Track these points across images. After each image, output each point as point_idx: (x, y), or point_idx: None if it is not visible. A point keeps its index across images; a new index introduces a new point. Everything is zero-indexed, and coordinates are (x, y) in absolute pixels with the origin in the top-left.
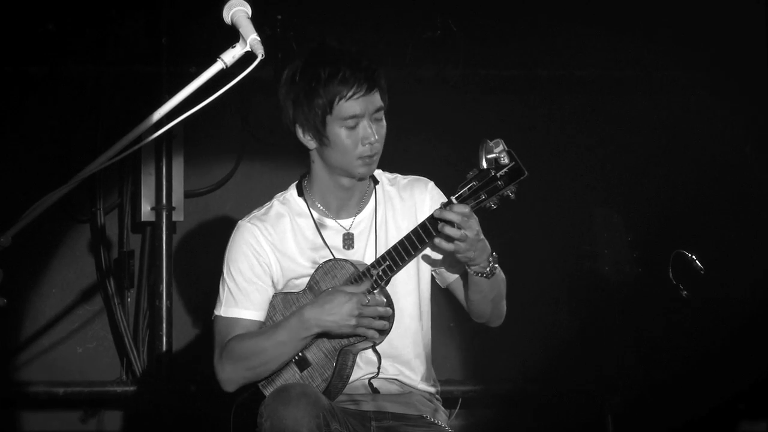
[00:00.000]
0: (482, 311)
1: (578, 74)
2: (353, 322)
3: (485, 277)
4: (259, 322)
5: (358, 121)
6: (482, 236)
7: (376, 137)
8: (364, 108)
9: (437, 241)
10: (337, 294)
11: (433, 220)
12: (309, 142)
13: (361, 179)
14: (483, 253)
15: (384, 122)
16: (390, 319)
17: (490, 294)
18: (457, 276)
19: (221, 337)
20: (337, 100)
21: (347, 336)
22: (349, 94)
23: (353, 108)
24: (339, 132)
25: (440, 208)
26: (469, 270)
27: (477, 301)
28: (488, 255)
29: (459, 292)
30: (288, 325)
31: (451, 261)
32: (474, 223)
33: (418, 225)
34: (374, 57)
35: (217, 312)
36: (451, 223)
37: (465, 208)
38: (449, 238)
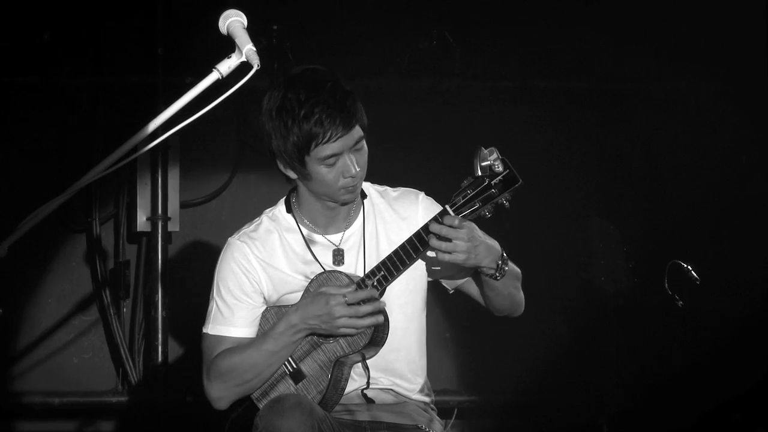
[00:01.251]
0: (500, 306)
1: (574, 85)
2: (336, 323)
3: (494, 278)
4: (247, 339)
5: (337, 158)
6: (481, 240)
7: (357, 168)
8: (342, 146)
9: (434, 250)
10: (316, 296)
11: (426, 229)
12: (290, 173)
13: (345, 204)
14: (487, 257)
15: (365, 148)
16: (385, 330)
17: (504, 290)
18: (467, 278)
19: (209, 356)
20: (313, 144)
21: (337, 335)
22: (325, 139)
23: (331, 149)
24: (319, 169)
25: (428, 222)
26: (481, 273)
27: (492, 297)
28: (495, 257)
29: (473, 290)
30: (276, 333)
31: (454, 266)
32: (465, 232)
33: (413, 234)
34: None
35: (205, 329)
36: (440, 236)
37: (453, 221)
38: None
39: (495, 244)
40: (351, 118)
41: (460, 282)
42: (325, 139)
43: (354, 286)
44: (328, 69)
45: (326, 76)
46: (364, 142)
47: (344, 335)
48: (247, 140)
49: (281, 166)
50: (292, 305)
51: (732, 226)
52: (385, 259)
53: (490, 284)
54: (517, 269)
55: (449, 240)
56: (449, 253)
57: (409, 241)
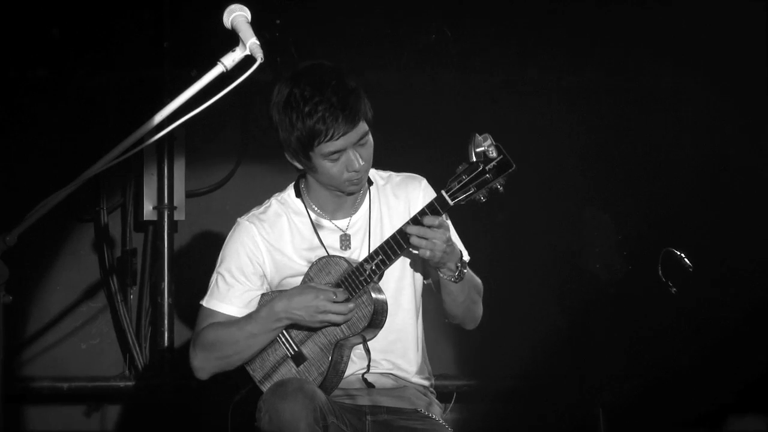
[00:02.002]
0: (453, 313)
1: (569, 79)
2: (318, 317)
3: (453, 281)
4: (237, 318)
5: (341, 154)
6: (451, 243)
7: (362, 162)
8: (346, 143)
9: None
10: (306, 289)
11: (423, 213)
12: (297, 164)
13: (351, 195)
14: (451, 259)
15: (370, 141)
16: (384, 313)
17: (459, 297)
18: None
19: (199, 327)
20: (317, 142)
21: (314, 329)
22: (328, 137)
23: (335, 146)
24: (323, 163)
25: (408, 222)
26: (439, 273)
27: (447, 302)
28: (456, 260)
29: (438, 290)
30: (258, 317)
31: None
32: (441, 233)
33: (410, 218)
34: (361, 62)
35: (202, 301)
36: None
37: (434, 220)
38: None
39: (457, 249)
40: (354, 116)
41: (435, 278)
42: (328, 137)
43: (342, 289)
44: (334, 64)
45: (331, 73)
46: (368, 136)
47: (319, 328)
48: (251, 131)
49: (288, 156)
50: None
51: (726, 213)
52: (383, 243)
53: (446, 287)
54: (478, 281)
55: (426, 238)
56: (429, 249)
57: (406, 224)
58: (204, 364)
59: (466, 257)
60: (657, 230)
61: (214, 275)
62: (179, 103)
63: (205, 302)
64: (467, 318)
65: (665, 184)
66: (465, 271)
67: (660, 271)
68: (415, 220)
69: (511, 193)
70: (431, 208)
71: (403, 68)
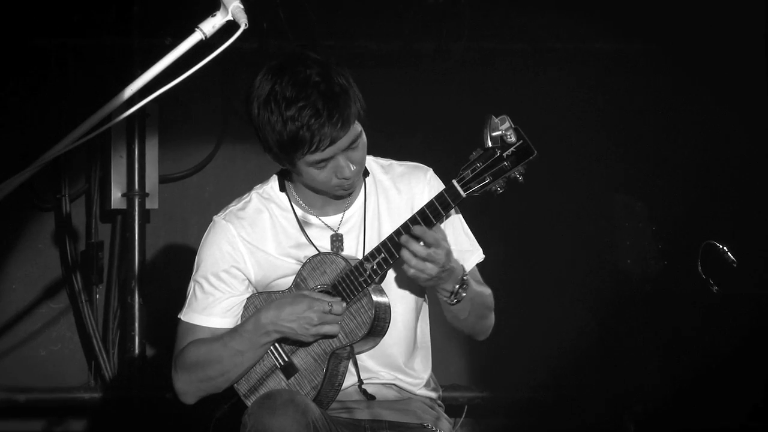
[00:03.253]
0: (457, 328)
1: (596, 47)
2: (312, 330)
3: (449, 303)
4: (222, 330)
5: (328, 161)
6: (447, 267)
7: (352, 168)
8: (334, 151)
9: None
10: (297, 298)
11: (432, 206)
12: (278, 163)
13: (341, 198)
14: (446, 282)
15: (362, 143)
16: (387, 319)
17: (461, 315)
18: None
19: (179, 345)
20: (299, 153)
21: (306, 343)
22: (313, 147)
23: (322, 155)
24: (308, 170)
25: (407, 229)
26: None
27: (449, 318)
28: (455, 282)
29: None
30: (244, 331)
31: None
32: (437, 254)
33: (416, 212)
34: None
35: (180, 315)
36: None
37: (430, 236)
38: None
39: (458, 269)
40: (344, 122)
41: None
42: (313, 148)
43: (339, 299)
44: (322, 58)
45: (318, 68)
46: (361, 136)
47: (311, 342)
48: (233, 108)
49: (270, 157)
50: (282, 291)
51: None
52: (385, 240)
53: (445, 306)
54: (486, 294)
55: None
56: (418, 271)
57: (413, 219)
58: (187, 388)
59: (478, 258)
60: (697, 220)
61: (191, 284)
62: (152, 75)
63: (183, 315)
64: (474, 332)
65: (706, 167)
66: (464, 294)
67: (700, 267)
68: (414, 220)
69: (531, 178)
70: (441, 201)
71: (405, 36)
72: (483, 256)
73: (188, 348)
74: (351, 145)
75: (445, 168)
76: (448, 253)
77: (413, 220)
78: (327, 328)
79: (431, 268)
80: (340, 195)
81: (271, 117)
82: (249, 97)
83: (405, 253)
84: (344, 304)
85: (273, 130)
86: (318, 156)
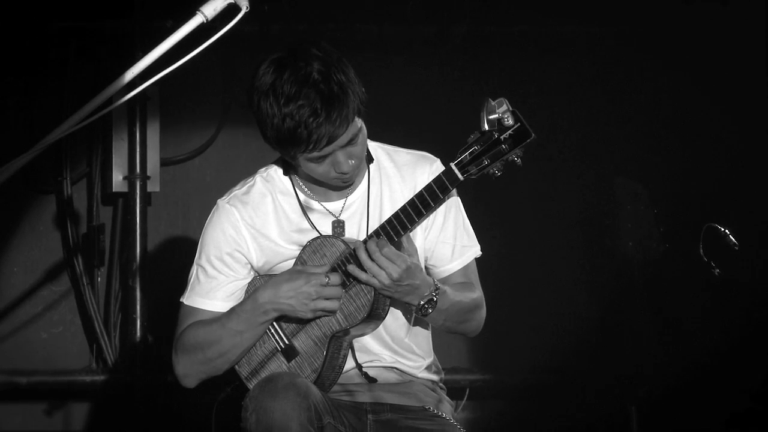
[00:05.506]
0: (439, 329)
1: (596, 30)
2: (311, 305)
3: (416, 314)
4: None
5: (326, 157)
6: (406, 284)
7: (351, 163)
8: (333, 148)
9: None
10: (294, 274)
11: (430, 189)
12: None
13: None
14: (408, 295)
15: (361, 137)
16: (387, 302)
17: (433, 323)
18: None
19: (180, 327)
20: (296, 151)
21: (306, 320)
22: (310, 147)
23: (318, 153)
24: (307, 164)
25: (362, 242)
26: None
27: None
28: (419, 298)
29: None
30: (242, 311)
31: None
32: (394, 269)
33: (415, 195)
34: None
35: (182, 298)
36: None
37: (376, 249)
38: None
39: (423, 287)
40: (343, 120)
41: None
42: (311, 147)
43: (338, 273)
44: (324, 53)
45: (319, 69)
46: (361, 131)
47: (312, 318)
48: (234, 91)
49: (270, 147)
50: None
51: None
52: (384, 223)
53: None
54: (466, 304)
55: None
56: (372, 274)
57: (411, 203)
58: (188, 370)
59: (474, 254)
60: (698, 203)
61: (194, 267)
62: (153, 58)
63: (186, 299)
64: (458, 333)
65: (708, 149)
66: (430, 310)
67: (701, 250)
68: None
69: (531, 161)
70: (439, 184)
71: (406, 20)
72: (480, 252)
73: (187, 330)
74: (350, 142)
75: (447, 152)
76: (408, 269)
77: (411, 203)
78: (325, 303)
79: (384, 277)
80: (339, 188)
81: (270, 111)
82: (251, 87)
83: (360, 253)
84: (341, 278)
85: (272, 125)
86: (316, 153)
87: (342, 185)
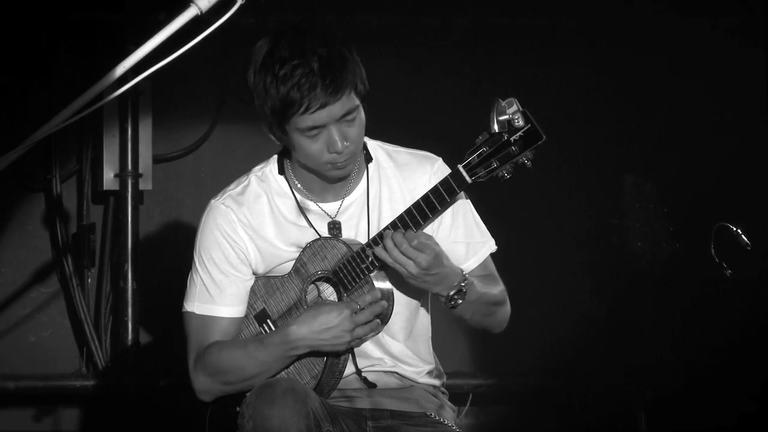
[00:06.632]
0: (465, 324)
1: (605, 23)
2: (348, 337)
3: (446, 307)
4: (239, 318)
5: (320, 129)
6: (435, 272)
7: (345, 143)
8: (326, 118)
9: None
10: (325, 309)
11: (437, 192)
12: (274, 140)
13: (336, 181)
14: (437, 286)
15: (359, 118)
16: (390, 305)
17: (464, 315)
18: None
19: (197, 339)
20: (290, 112)
21: (344, 351)
22: (302, 108)
23: (312, 120)
24: (300, 140)
25: (410, 215)
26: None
27: (454, 317)
28: (448, 288)
29: None
30: (270, 344)
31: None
32: (424, 257)
33: (421, 198)
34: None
35: (189, 308)
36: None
37: (402, 241)
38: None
39: (452, 275)
40: (338, 86)
41: None
42: (302, 109)
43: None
44: (327, 25)
45: (320, 35)
46: (358, 112)
47: (353, 347)
48: (229, 86)
49: (265, 129)
50: (282, 276)
51: None
52: (388, 226)
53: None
54: (493, 294)
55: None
56: (401, 264)
57: (417, 205)
58: (208, 389)
59: (489, 249)
60: (709, 201)
61: (195, 274)
62: (145, 52)
63: (197, 308)
64: (484, 328)
65: (719, 146)
66: (460, 301)
67: (713, 250)
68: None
69: (539, 159)
70: (446, 187)
71: (407, 11)
72: (495, 246)
73: (211, 351)
74: (345, 117)
75: (449, 150)
76: (437, 256)
77: (417, 205)
78: (363, 329)
79: (412, 267)
80: (333, 176)
81: (265, 79)
82: (247, 65)
83: (387, 242)
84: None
85: (267, 95)
86: (309, 120)
87: (336, 173)
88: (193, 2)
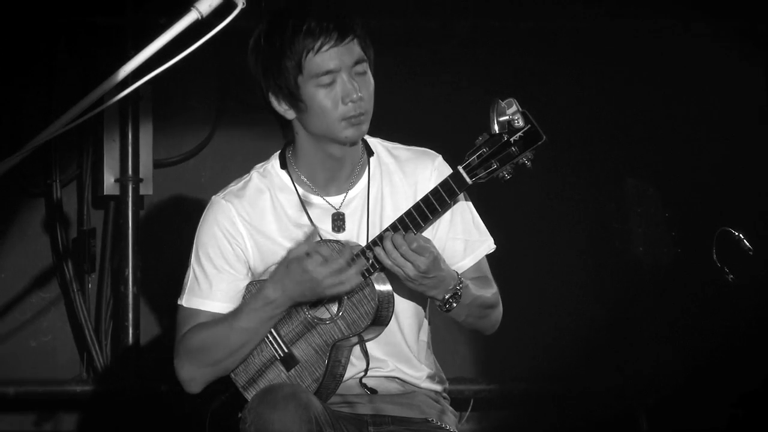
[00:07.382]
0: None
1: (607, 26)
2: (328, 281)
3: (439, 308)
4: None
5: (334, 77)
6: (432, 276)
7: (360, 94)
8: (338, 61)
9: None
10: (292, 260)
11: (437, 193)
12: (287, 111)
13: (351, 144)
14: (432, 290)
15: (370, 77)
16: (390, 308)
17: (456, 318)
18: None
19: (179, 331)
20: (305, 55)
21: (328, 299)
22: (317, 45)
23: (325, 62)
24: (315, 93)
25: (410, 216)
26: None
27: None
28: (444, 292)
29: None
30: (251, 309)
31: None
32: (423, 260)
33: (421, 199)
34: (361, 7)
35: (179, 300)
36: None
37: (402, 242)
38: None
39: (449, 279)
40: (347, 28)
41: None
42: (318, 45)
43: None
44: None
45: (321, 2)
46: (368, 68)
47: (336, 293)
48: (230, 90)
49: (275, 103)
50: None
51: None
52: (388, 228)
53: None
54: (486, 298)
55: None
56: (399, 266)
57: (417, 207)
58: (193, 374)
59: (488, 248)
60: (711, 206)
61: (190, 268)
62: (146, 56)
63: (185, 301)
64: (476, 330)
65: (721, 151)
66: (455, 304)
67: (715, 255)
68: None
69: (538, 161)
70: (446, 188)
71: (408, 14)
72: (494, 246)
73: (190, 334)
74: (356, 66)
75: (450, 151)
76: (435, 259)
77: (417, 207)
78: (330, 280)
79: (410, 269)
80: (347, 136)
81: (275, 41)
82: (249, 50)
83: (387, 244)
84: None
85: (278, 52)
86: (322, 62)
87: (350, 132)
88: (193, 6)
